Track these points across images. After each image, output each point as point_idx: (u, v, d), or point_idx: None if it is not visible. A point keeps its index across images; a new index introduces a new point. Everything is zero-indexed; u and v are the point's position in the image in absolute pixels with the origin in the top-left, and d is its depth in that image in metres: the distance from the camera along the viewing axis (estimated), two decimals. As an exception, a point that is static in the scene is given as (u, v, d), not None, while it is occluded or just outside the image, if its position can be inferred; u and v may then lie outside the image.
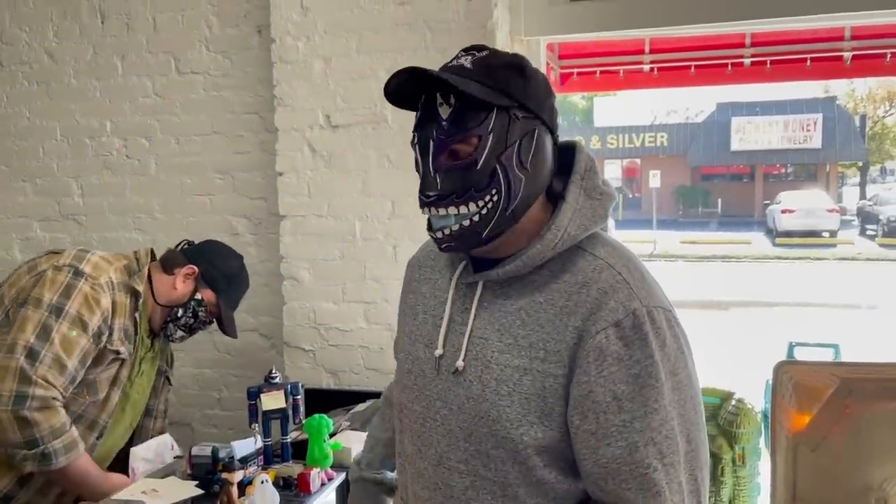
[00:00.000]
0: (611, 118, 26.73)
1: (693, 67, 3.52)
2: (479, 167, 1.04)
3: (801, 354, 2.49)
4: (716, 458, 2.44)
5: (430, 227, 1.10)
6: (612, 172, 27.52)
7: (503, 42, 2.53)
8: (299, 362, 2.75)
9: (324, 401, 2.62)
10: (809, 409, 2.14)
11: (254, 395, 1.93)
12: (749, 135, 24.73)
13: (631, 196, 26.80)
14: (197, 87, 2.94)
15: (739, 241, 18.65)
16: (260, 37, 2.83)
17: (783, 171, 26.87)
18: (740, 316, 10.21)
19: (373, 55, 2.57)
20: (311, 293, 2.72)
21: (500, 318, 1.09)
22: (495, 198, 1.05)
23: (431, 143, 1.05)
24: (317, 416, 1.84)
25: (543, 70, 2.75)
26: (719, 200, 25.28)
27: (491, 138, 1.03)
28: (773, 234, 19.65)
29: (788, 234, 18.91)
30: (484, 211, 1.05)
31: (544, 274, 1.09)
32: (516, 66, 1.08)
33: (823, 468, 2.12)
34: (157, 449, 2.02)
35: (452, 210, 1.06)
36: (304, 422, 1.92)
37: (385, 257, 2.60)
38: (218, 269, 2.14)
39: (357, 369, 2.68)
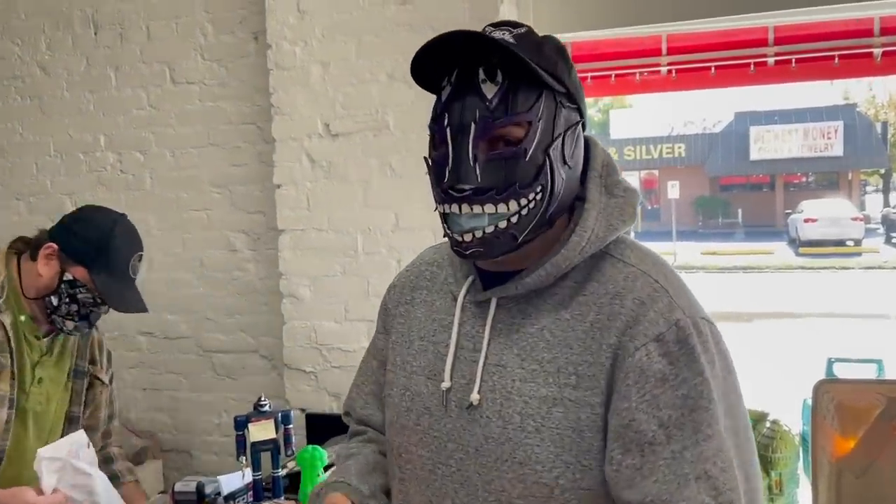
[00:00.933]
0: (627, 130, 26.50)
1: (713, 68, 3.34)
2: (527, 158, 0.88)
3: (840, 371, 2.30)
4: (750, 486, 2.25)
5: (451, 230, 0.91)
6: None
7: (511, 41, 2.38)
8: (300, 385, 2.60)
9: (326, 426, 2.47)
10: (854, 431, 1.95)
11: (241, 424, 1.77)
12: (768, 144, 24.41)
13: (649, 208, 26.53)
14: (192, 98, 2.81)
15: (762, 251, 18.33)
16: (256, 43, 2.70)
17: (804, 179, 26.49)
18: (765, 327, 9.95)
19: (373, 59, 2.43)
20: (311, 311, 2.57)
21: (519, 340, 0.92)
22: (539, 196, 0.89)
23: (473, 125, 0.87)
24: (310, 447, 1.68)
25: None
26: (739, 210, 24.96)
27: (541, 126, 0.89)
28: (796, 243, 19.32)
29: (812, 243, 18.57)
30: (525, 211, 0.89)
31: (568, 286, 0.93)
32: (560, 49, 0.95)
33: (870, 496, 1.93)
34: (68, 448, 1.62)
35: (489, 208, 0.88)
36: (296, 453, 1.76)
37: (388, 272, 2.44)
38: (80, 238, 1.70)
39: (361, 392, 2.52)
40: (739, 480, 0.86)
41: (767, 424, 2.28)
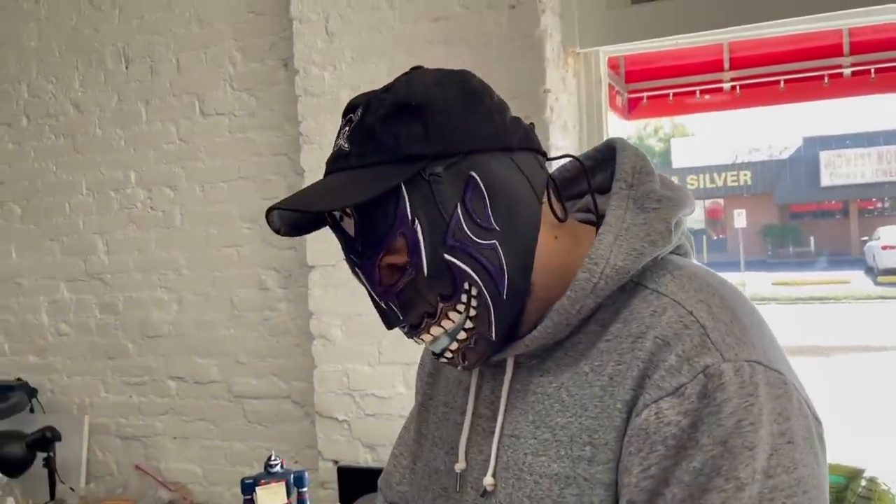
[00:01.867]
0: (689, 159, 25.97)
1: (782, 82, 3.06)
2: (427, 273, 0.72)
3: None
4: (846, 556, 1.93)
5: (433, 353, 0.80)
6: (694, 214, 26.54)
7: (554, 56, 2.17)
8: (333, 434, 2.39)
9: (360, 481, 2.26)
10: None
11: (249, 488, 1.57)
12: (840, 169, 23.57)
13: (715, 238, 25.81)
14: (222, 130, 2.69)
15: (837, 280, 17.51)
16: (286, 70, 2.56)
17: (879, 205, 25.43)
18: (844, 362, 9.36)
19: (405, 79, 2.25)
20: (343, 354, 2.37)
21: (535, 403, 0.75)
22: (474, 291, 0.73)
23: (359, 270, 0.76)
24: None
25: (605, 89, 2.37)
26: (811, 239, 24.07)
27: (420, 227, 0.71)
28: (874, 272, 18.43)
29: (891, 271, 17.66)
30: (472, 313, 0.74)
31: (593, 330, 0.73)
32: (401, 108, 0.73)
33: None
34: None
35: (437, 330, 0.75)
36: (311, 520, 1.55)
37: (425, 310, 2.24)
38: None
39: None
40: None
41: (863, 483, 1.96)
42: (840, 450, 2.08)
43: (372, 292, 0.76)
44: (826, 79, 3.00)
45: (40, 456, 2.59)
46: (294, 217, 0.80)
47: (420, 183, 0.71)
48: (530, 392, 0.76)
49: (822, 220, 25.10)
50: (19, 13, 3.01)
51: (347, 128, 0.75)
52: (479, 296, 0.73)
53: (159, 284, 2.82)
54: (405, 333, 0.78)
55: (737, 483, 0.62)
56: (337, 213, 0.75)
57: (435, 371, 0.93)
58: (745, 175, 25.04)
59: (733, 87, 3.13)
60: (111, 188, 2.89)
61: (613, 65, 2.88)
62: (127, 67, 2.85)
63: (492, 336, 0.75)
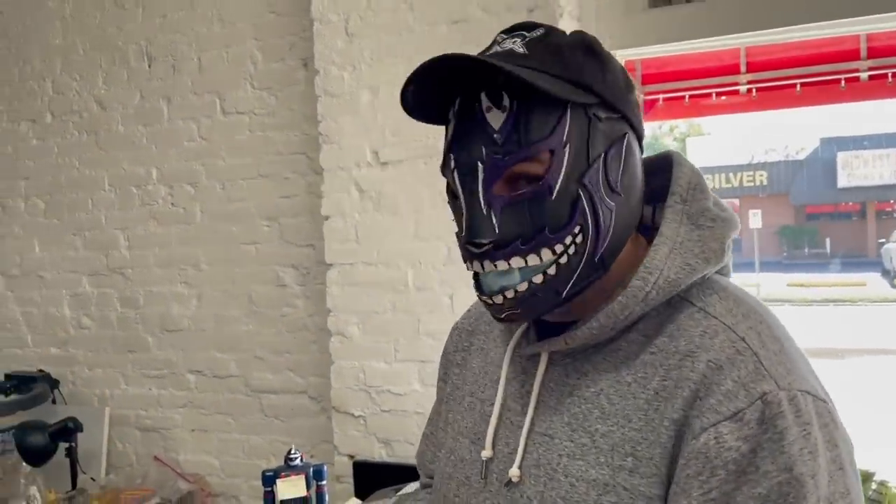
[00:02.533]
0: (705, 158, 25.82)
1: (799, 85, 3.05)
2: (554, 196, 0.71)
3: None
4: (855, 558, 1.95)
5: (480, 290, 0.76)
6: (708, 214, 26.47)
7: (572, 58, 2.19)
8: (349, 430, 2.43)
9: (376, 475, 2.29)
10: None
11: (269, 480, 1.61)
12: (857, 170, 23.36)
13: (730, 238, 25.70)
14: (242, 128, 2.73)
15: (853, 282, 17.37)
16: (306, 70, 2.60)
17: (898, 207, 25.20)
18: (859, 365, 9.30)
19: (423, 81, 2.28)
20: (360, 351, 2.41)
21: (571, 406, 0.76)
22: (579, 238, 0.72)
23: (480, 166, 0.71)
24: (343, 507, 1.50)
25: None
26: (827, 240, 23.87)
27: (568, 152, 0.71)
28: (891, 274, 18.25)
29: (909, 274, 17.50)
30: (564, 259, 0.72)
31: (635, 339, 0.74)
32: (588, 47, 0.75)
33: None
34: None
35: (517, 262, 0.72)
36: (329, 513, 1.59)
37: (440, 309, 2.27)
38: None
39: (412, 439, 2.33)
40: None
41: (873, 486, 1.98)
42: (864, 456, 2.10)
43: (481, 194, 0.72)
44: (843, 82, 2.99)
45: (62, 446, 2.64)
46: (426, 100, 0.75)
47: (582, 116, 0.72)
48: (566, 393, 0.77)
49: (838, 221, 24.89)
50: (44, 11, 3.06)
51: (518, 40, 0.74)
52: (580, 245, 0.72)
53: (179, 280, 2.87)
54: (476, 254, 0.73)
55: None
56: (486, 103, 0.71)
57: (462, 362, 0.94)
58: (762, 175, 24.88)
59: (749, 90, 3.13)
60: (133, 184, 2.94)
61: (630, 67, 2.89)
62: (150, 65, 2.89)
63: (563, 292, 0.73)
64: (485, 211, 0.71)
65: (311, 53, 2.51)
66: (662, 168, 0.82)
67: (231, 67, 2.74)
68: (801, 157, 25.37)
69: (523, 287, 0.72)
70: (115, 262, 2.99)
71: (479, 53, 0.75)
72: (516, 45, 0.73)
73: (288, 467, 1.62)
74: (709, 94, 3.20)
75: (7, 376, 2.96)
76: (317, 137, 2.50)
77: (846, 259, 22.29)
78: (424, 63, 0.71)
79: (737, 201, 25.77)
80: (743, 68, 3.04)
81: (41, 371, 3.02)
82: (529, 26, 0.75)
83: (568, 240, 0.72)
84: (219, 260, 2.80)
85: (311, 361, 2.63)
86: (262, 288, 2.72)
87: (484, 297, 0.75)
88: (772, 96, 3.14)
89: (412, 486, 1.99)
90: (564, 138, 0.71)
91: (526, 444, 0.77)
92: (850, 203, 24.53)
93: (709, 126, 26.96)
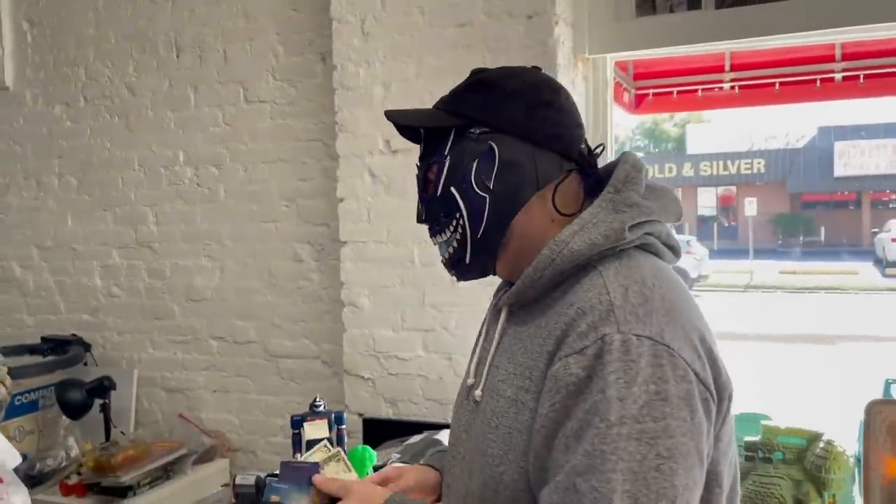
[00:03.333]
0: (704, 145, 25.96)
1: (778, 84, 3.31)
2: (439, 194, 1.04)
3: (899, 393, 2.25)
4: (802, 506, 2.22)
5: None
6: (706, 201, 26.68)
7: (565, 61, 2.44)
8: (359, 391, 2.70)
9: (382, 431, 2.56)
10: (907, 453, 1.92)
11: (297, 423, 1.88)
12: (854, 159, 23.48)
13: (726, 225, 25.86)
14: (264, 116, 2.98)
15: (845, 271, 17.61)
16: (324, 64, 2.84)
17: (893, 196, 25.34)
18: (848, 351, 9.56)
19: (432, 79, 2.53)
20: (370, 320, 2.67)
21: (511, 345, 1.02)
22: (462, 221, 1.04)
23: (416, 173, 1.09)
24: (360, 447, 1.78)
25: (611, 92, 2.64)
26: (822, 229, 24.05)
27: (447, 164, 1.03)
28: (882, 263, 18.48)
29: (900, 264, 17.72)
30: (458, 235, 1.05)
31: (557, 296, 0.98)
32: (480, 83, 1.05)
33: (926, 521, 1.89)
34: None
35: (438, 238, 1.08)
36: (348, 452, 1.85)
37: (443, 283, 2.53)
38: None
39: (416, 399, 2.61)
40: None
41: (821, 445, 2.25)
42: (814, 418, 2.35)
43: (419, 192, 1.09)
44: (818, 82, 3.25)
45: (97, 402, 2.90)
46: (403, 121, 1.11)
47: (461, 135, 1.03)
48: (511, 335, 1.02)
49: (833, 210, 25.02)
50: (78, 3, 3.29)
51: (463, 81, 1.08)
52: (463, 227, 1.04)
53: (203, 254, 3.12)
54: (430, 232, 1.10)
55: (607, 423, 0.83)
56: (422, 131, 1.08)
57: (485, 321, 1.20)
58: (759, 163, 24.97)
59: (732, 87, 3.38)
60: (161, 165, 3.18)
61: (622, 65, 3.13)
62: (178, 56, 3.13)
63: (466, 260, 1.06)
64: (419, 205, 1.09)
65: (329, 49, 2.75)
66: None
67: (254, 60, 2.98)
68: (800, 145, 25.47)
69: (446, 255, 1.07)
70: (144, 237, 3.24)
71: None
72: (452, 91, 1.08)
73: (313, 413, 1.88)
74: (695, 91, 3.45)
75: (43, 339, 3.22)
76: (333, 126, 2.74)
77: (840, 248, 22.48)
78: (385, 114, 1.10)
79: (734, 189, 25.97)
80: (727, 68, 3.29)
81: (74, 335, 3.28)
82: (479, 71, 1.09)
83: (452, 224, 1.04)
84: (240, 236, 3.05)
85: (325, 329, 2.89)
86: (280, 262, 2.98)
87: (443, 261, 1.10)
88: (753, 94, 3.39)
89: (415, 439, 2.27)
90: (446, 153, 1.03)
91: (487, 373, 1.04)
92: (846, 192, 24.68)
93: (709, 113, 27.05)
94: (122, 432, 3.02)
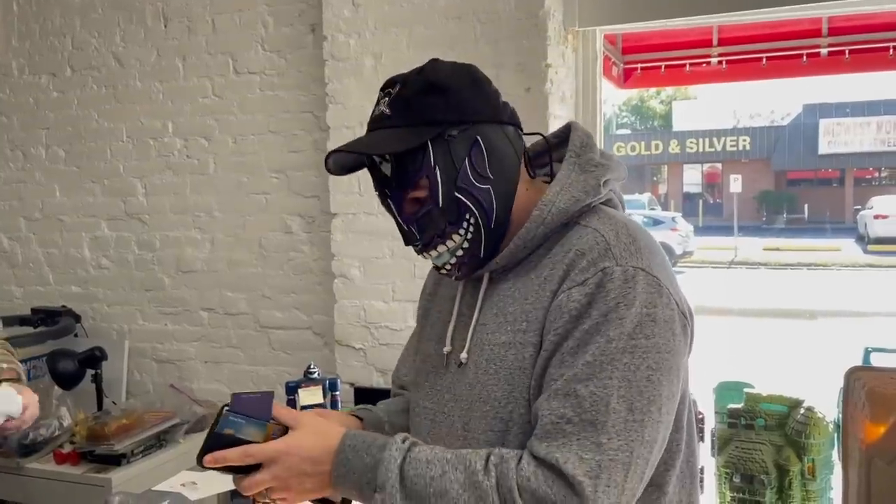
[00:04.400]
0: (690, 122, 26.01)
1: (765, 59, 3.34)
2: (441, 205, 1.04)
3: (878, 361, 2.31)
4: (783, 471, 2.29)
5: (435, 266, 1.12)
6: (691, 177, 26.79)
7: (555, 33, 2.45)
8: (350, 361, 2.74)
9: (373, 399, 2.57)
10: (885, 418, 1.98)
11: (292, 389, 1.91)
12: (838, 137, 23.61)
13: (711, 202, 26.00)
14: (253, 87, 2.97)
15: (828, 248, 17.81)
16: (314, 35, 2.83)
17: (876, 174, 25.56)
18: (829, 326, 9.70)
19: (423, 50, 2.53)
20: (361, 291, 2.70)
21: (497, 301, 1.08)
22: (473, 220, 1.05)
23: (389, 201, 1.07)
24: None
25: (600, 64, 2.65)
26: (805, 206, 24.24)
27: (439, 172, 1.03)
28: (864, 240, 18.70)
29: (882, 240, 17.93)
30: (469, 236, 1.06)
31: (541, 253, 1.06)
32: (430, 86, 1.04)
33: (902, 484, 1.95)
34: None
35: (442, 248, 1.07)
36: (341, 418, 1.89)
37: (434, 255, 2.55)
38: None
39: (406, 368, 2.64)
40: (618, 409, 0.92)
41: (802, 411, 2.31)
42: (794, 387, 2.41)
43: (398, 218, 1.07)
44: (805, 57, 3.28)
45: (89, 373, 2.92)
46: (343, 160, 1.09)
47: (440, 141, 1.03)
48: (495, 294, 1.08)
49: (817, 187, 25.19)
50: (64, -30, 3.26)
51: (387, 98, 1.05)
52: (476, 224, 1.05)
53: (193, 225, 3.13)
54: (417, 250, 1.09)
55: (607, 338, 0.94)
56: (377, 159, 1.05)
57: (433, 292, 1.25)
58: (745, 140, 25.06)
59: (720, 62, 3.40)
60: (150, 136, 3.17)
61: (611, 39, 3.15)
62: (165, 26, 3.11)
63: (480, 254, 1.07)
64: (405, 228, 1.07)
65: (319, 20, 2.74)
66: (567, 136, 1.15)
67: (243, 30, 2.96)
68: (785, 122, 25.57)
69: (454, 260, 1.07)
70: (133, 209, 3.24)
71: (371, 115, 1.07)
72: (385, 105, 1.05)
73: (308, 380, 1.91)
74: (683, 65, 3.48)
75: (33, 310, 3.23)
76: (323, 98, 2.74)
77: (823, 225, 22.69)
78: (327, 156, 1.07)
79: (719, 166, 26.08)
80: (715, 42, 3.31)
81: (64, 307, 3.28)
82: (393, 83, 1.06)
83: (465, 225, 1.05)
84: (230, 208, 3.05)
85: (316, 301, 2.91)
86: (270, 234, 2.99)
87: (441, 271, 1.10)
88: (740, 68, 3.42)
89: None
90: (433, 164, 1.03)
91: (472, 335, 1.08)
92: (830, 170, 24.85)
93: (695, 90, 27.10)
94: (113, 402, 3.05)
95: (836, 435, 2.27)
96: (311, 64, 2.84)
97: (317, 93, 2.83)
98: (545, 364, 0.98)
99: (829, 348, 7.82)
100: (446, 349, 1.12)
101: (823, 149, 23.69)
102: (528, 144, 1.14)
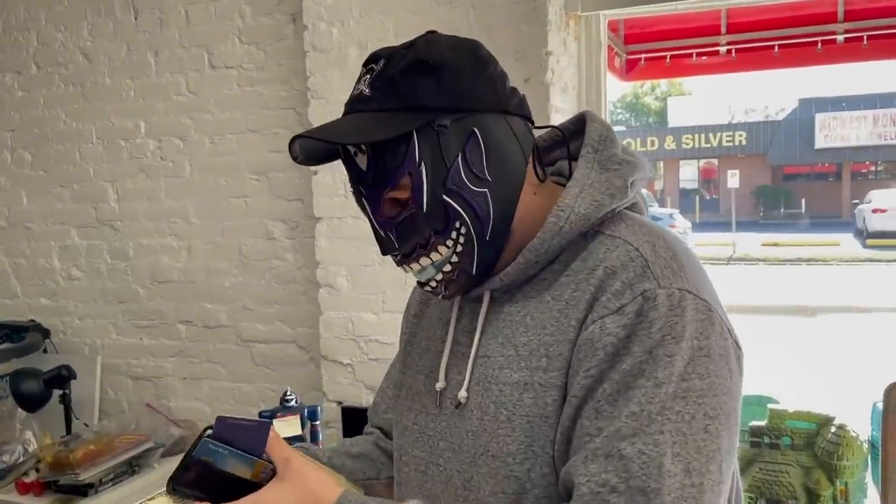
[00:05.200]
0: (685, 118, 25.89)
1: (777, 47, 3.14)
2: (426, 209, 0.84)
3: (916, 373, 2.11)
4: (813, 495, 2.09)
5: (417, 282, 0.94)
6: (688, 173, 26.67)
7: (556, 18, 2.24)
8: (337, 377, 2.53)
9: (363, 421, 2.37)
10: (931, 440, 1.78)
11: (266, 419, 1.69)
12: (835, 131, 23.53)
13: (708, 198, 25.88)
14: (231, 83, 2.76)
15: (827, 242, 17.68)
16: (294, 25, 2.62)
17: (872, 168, 25.48)
18: (830, 322, 9.55)
19: (411, 38, 2.32)
20: (348, 302, 2.49)
21: (504, 328, 0.88)
22: (463, 230, 0.86)
23: (364, 201, 0.87)
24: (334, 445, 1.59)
25: (604, 52, 2.45)
26: (803, 201, 24.16)
27: (424, 169, 0.83)
28: (863, 235, 18.59)
29: (881, 234, 17.82)
30: (459, 248, 0.86)
31: (556, 269, 0.87)
32: (421, 64, 0.83)
33: (948, 511, 1.76)
34: None
35: (425, 261, 0.88)
36: (323, 451, 1.68)
37: (427, 262, 2.35)
38: None
39: (399, 386, 2.43)
40: (674, 471, 0.74)
41: (833, 430, 2.11)
42: (817, 401, 2.23)
43: (374, 221, 0.87)
44: (819, 45, 3.08)
45: (56, 393, 2.71)
46: (312, 148, 0.89)
47: (429, 132, 0.82)
48: (501, 320, 0.88)
49: (814, 182, 25.14)
50: (28, -39, 3.04)
51: (369, 76, 0.85)
52: (467, 234, 0.85)
53: (169, 232, 2.91)
54: (396, 261, 0.89)
55: (655, 381, 0.75)
56: (352, 148, 0.85)
57: (420, 313, 1.05)
58: (741, 136, 24.98)
59: (729, 51, 3.20)
60: (121, 137, 2.96)
61: (613, 27, 2.94)
62: (136, 18, 2.89)
63: (472, 271, 0.87)
64: (382, 234, 0.87)
65: (299, 8, 2.53)
66: (579, 130, 0.94)
67: (219, 21, 2.75)
68: (780, 117, 25.48)
69: (440, 276, 0.88)
70: (104, 215, 3.02)
71: (350, 95, 0.86)
72: (365, 84, 0.85)
73: (284, 408, 1.70)
74: (689, 55, 3.27)
75: (-1, 325, 3.01)
76: (305, 92, 2.54)
77: (821, 219, 22.61)
78: (290, 142, 0.86)
79: (716, 161, 25.96)
80: (723, 29, 3.11)
81: (32, 321, 3.07)
82: (376, 57, 0.86)
83: (454, 234, 0.85)
84: (208, 213, 2.84)
85: (300, 312, 2.71)
86: (251, 241, 2.78)
87: (422, 287, 0.91)
88: (750, 57, 3.22)
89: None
90: (417, 159, 0.82)
91: (472, 368, 0.88)
92: (827, 164, 24.78)
93: (690, 86, 26.98)
94: (85, 424, 2.84)
95: (871, 455, 2.07)
96: (293, 56, 2.63)
97: (299, 87, 2.62)
98: (575, 413, 0.79)
99: (836, 347, 7.68)
100: (439, 385, 0.92)
101: (820, 143, 23.62)
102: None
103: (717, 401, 0.77)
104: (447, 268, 0.87)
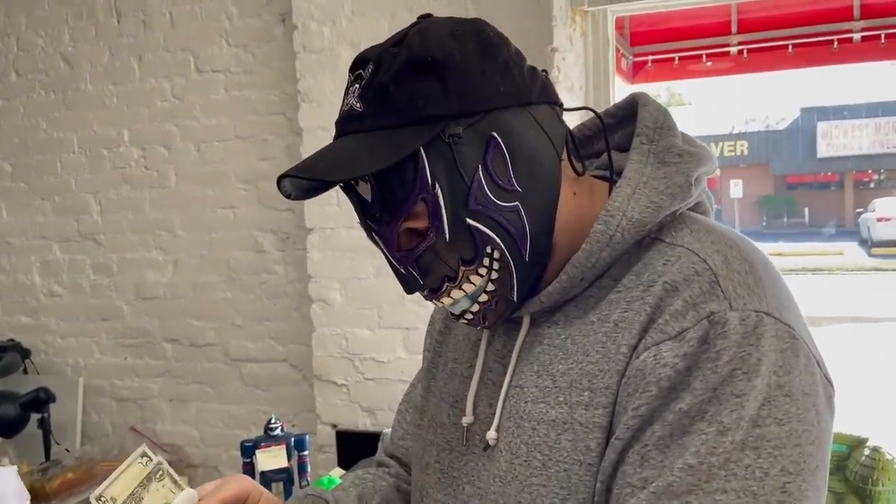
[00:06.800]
0: (686, 128, 25.65)
1: (791, 46, 3.00)
2: (449, 238, 0.70)
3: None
4: (846, 524, 1.93)
5: (451, 314, 0.78)
6: (689, 184, 26.63)
7: (562, 14, 2.10)
8: (332, 398, 2.37)
9: (359, 445, 2.23)
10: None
11: (248, 451, 1.54)
12: (836, 140, 23.49)
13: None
14: (217, 87, 2.62)
15: (831, 252, 17.57)
16: (284, 26, 2.49)
17: (875, 177, 25.41)
18: (837, 333, 9.39)
19: (407, 36, 2.19)
20: (343, 318, 2.34)
21: (540, 355, 0.74)
22: (496, 254, 0.71)
23: (375, 236, 0.73)
24: (326, 478, 1.44)
25: (612, 50, 2.31)
26: (806, 210, 24.08)
27: (440, 191, 0.68)
28: (867, 243, 18.49)
29: (885, 243, 17.72)
30: (495, 275, 0.72)
31: (605, 284, 0.72)
32: (416, 65, 0.68)
33: None
34: None
35: (458, 294, 0.73)
36: (311, 484, 1.52)
37: (426, 274, 2.20)
38: None
39: (396, 407, 2.27)
40: None
41: (866, 452, 1.96)
42: (841, 420, 2.07)
43: (390, 257, 0.73)
44: (835, 44, 2.94)
45: (34, 417, 2.56)
46: (306, 183, 0.73)
47: (439, 145, 0.67)
48: (536, 343, 0.75)
49: (817, 191, 25.10)
50: (7, -36, 2.92)
51: (357, 85, 0.69)
52: (502, 259, 0.71)
53: (154, 245, 2.77)
54: (425, 297, 0.75)
55: (719, 427, 0.61)
56: (352, 181, 0.71)
57: (445, 329, 0.91)
58: (742, 145, 24.95)
59: (740, 52, 3.06)
60: (104, 146, 2.83)
61: (618, 26, 2.80)
62: (119, 21, 2.76)
63: (513, 297, 0.73)
64: (402, 270, 0.73)
65: (288, 8, 2.40)
66: (628, 116, 0.80)
67: (205, 23, 2.62)
68: (782, 127, 25.44)
69: (476, 308, 0.74)
70: (87, 228, 2.88)
71: (341, 109, 0.72)
72: (354, 96, 0.69)
73: (268, 437, 1.55)
74: (699, 57, 3.13)
75: (-25, 346, 2.86)
76: (295, 96, 2.40)
77: (825, 228, 22.53)
78: (278, 180, 0.70)
79: (718, 171, 25.88)
80: (734, 28, 2.97)
81: (11, 340, 2.92)
82: (362, 61, 0.70)
83: (486, 261, 0.71)
84: (195, 225, 2.70)
85: (292, 329, 2.56)
86: (240, 254, 2.64)
87: (457, 320, 0.77)
88: (763, 58, 3.07)
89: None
90: (430, 180, 0.68)
91: (504, 401, 0.75)
92: (829, 173, 24.72)
93: (689, 95, 26.95)
94: (66, 449, 2.69)
95: (909, 480, 1.92)
96: (283, 59, 2.49)
97: (289, 91, 2.48)
98: (618, 459, 0.65)
99: (848, 359, 7.52)
100: (466, 420, 0.78)
101: (822, 152, 23.58)
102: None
103: (798, 452, 0.62)
104: (483, 298, 0.73)
